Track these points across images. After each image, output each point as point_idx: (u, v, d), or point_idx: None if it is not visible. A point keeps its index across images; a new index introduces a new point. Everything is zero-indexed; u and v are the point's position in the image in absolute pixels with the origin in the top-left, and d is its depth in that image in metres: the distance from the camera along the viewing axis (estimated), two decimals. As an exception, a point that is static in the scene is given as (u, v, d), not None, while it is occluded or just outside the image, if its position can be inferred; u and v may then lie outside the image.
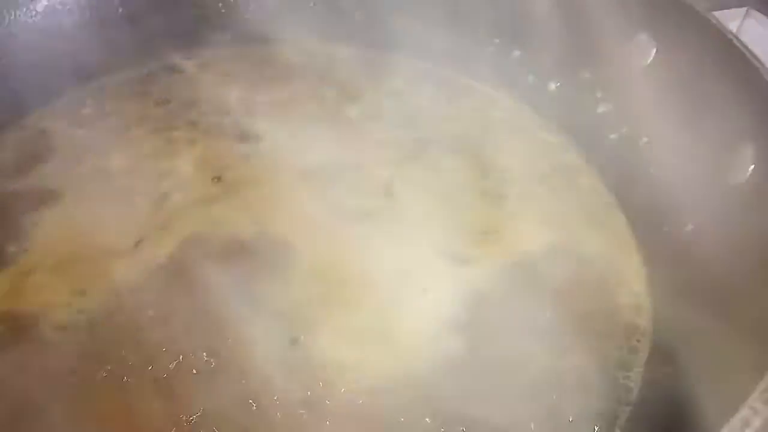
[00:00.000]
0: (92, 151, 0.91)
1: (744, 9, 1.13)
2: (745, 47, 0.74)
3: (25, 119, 0.95)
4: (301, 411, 0.68)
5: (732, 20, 1.11)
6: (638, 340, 0.77)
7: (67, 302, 0.76)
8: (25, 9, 0.97)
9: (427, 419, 0.69)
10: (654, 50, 0.85)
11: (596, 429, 0.70)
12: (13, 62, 0.94)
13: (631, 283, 0.82)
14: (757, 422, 0.51)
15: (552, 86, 0.99)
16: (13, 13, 0.95)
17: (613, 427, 0.70)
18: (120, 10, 1.03)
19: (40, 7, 0.98)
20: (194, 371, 0.70)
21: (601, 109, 0.93)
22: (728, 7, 1.12)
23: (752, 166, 0.71)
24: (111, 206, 0.85)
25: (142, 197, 0.86)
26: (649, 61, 0.86)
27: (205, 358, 0.71)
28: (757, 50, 0.74)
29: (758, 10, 1.13)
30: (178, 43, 1.05)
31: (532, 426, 0.69)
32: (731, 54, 0.74)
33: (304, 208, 0.85)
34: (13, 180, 0.88)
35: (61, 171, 0.89)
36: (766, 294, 0.65)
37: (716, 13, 0.82)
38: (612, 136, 0.92)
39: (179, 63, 1.05)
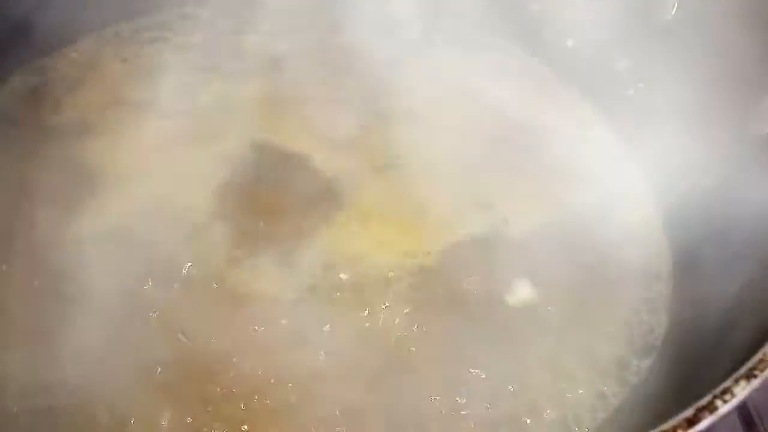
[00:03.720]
0: (116, 89, 0.92)
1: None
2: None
3: (38, 63, 0.95)
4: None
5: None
6: (658, 293, 0.79)
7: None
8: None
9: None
10: (675, 3, 0.85)
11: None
12: (26, 9, 0.93)
13: (649, 234, 0.83)
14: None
15: (569, 43, 0.98)
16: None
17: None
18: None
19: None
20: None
21: (619, 65, 0.93)
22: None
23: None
24: (148, 132, 0.88)
25: (178, 120, 0.89)
26: (671, 15, 0.86)
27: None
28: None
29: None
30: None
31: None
32: (760, 5, 0.74)
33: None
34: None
35: (88, 106, 0.90)
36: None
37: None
38: (629, 92, 0.92)
39: (193, 11, 1.03)
